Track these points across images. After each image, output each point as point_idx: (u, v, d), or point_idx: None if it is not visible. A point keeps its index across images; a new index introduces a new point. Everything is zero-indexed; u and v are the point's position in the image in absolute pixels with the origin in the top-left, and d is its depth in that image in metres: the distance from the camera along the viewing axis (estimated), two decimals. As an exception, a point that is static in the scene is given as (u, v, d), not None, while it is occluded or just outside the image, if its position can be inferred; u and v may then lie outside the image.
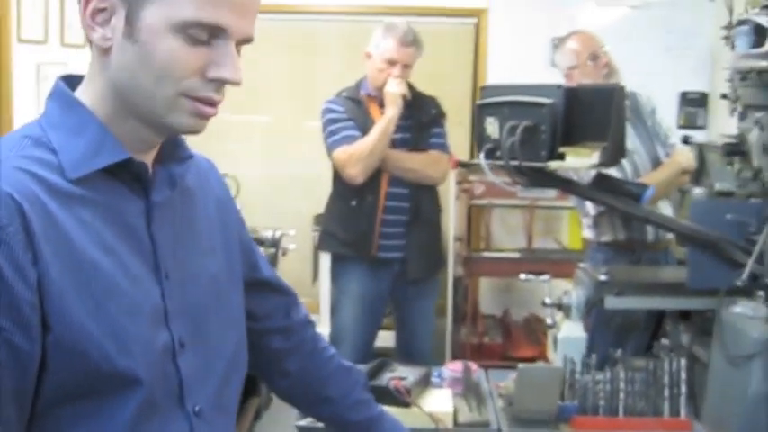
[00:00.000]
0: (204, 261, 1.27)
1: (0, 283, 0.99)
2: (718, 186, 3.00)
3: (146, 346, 1.11)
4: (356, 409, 1.56)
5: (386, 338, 4.15)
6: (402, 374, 2.03)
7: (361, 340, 3.77)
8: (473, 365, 2.17)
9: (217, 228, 1.33)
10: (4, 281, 0.99)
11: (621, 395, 1.94)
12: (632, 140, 3.20)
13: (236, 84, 1.13)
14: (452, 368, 2.18)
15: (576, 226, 5.21)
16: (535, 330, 4.98)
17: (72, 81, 1.18)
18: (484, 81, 5.24)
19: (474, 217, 5.18)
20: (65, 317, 1.03)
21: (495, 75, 5.13)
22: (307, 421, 1.95)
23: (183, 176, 1.25)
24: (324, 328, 4.71)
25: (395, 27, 3.60)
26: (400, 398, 1.93)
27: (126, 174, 1.14)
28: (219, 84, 1.12)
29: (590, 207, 3.38)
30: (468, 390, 2.10)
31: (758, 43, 2.48)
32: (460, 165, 4.72)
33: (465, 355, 4.45)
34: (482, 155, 2.43)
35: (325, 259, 4.64)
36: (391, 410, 1.93)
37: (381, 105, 3.62)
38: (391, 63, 3.57)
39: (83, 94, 1.15)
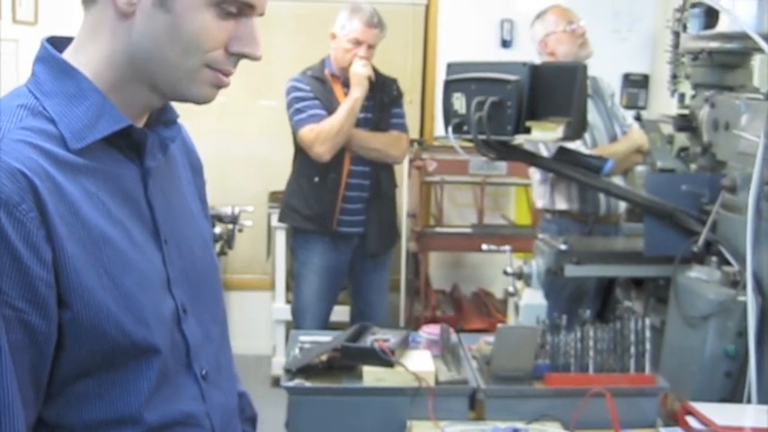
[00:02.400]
0: (192, 225, 1.28)
1: (15, 262, 0.96)
2: (660, 164, 3.17)
3: (158, 316, 1.11)
4: None
5: (341, 313, 4.26)
6: (384, 336, 2.13)
7: (321, 311, 3.91)
8: (450, 328, 2.27)
9: (195, 193, 1.34)
10: (19, 260, 0.97)
11: (591, 353, 2.06)
12: (593, 116, 3.44)
13: (258, 59, 1.15)
14: (429, 331, 2.28)
15: (523, 202, 5.37)
16: (486, 304, 5.12)
17: (56, 43, 1.14)
18: (434, 61, 5.34)
19: (426, 193, 5.29)
20: (83, 294, 1.02)
21: (445, 55, 5.21)
22: (295, 383, 2.03)
23: (174, 140, 1.23)
24: (279, 304, 4.80)
25: (360, 9, 3.72)
26: (385, 358, 2.02)
27: (122, 140, 1.13)
28: (240, 57, 1.14)
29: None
30: (446, 351, 2.21)
31: (709, 25, 2.62)
32: (415, 142, 4.83)
33: (419, 328, 4.56)
34: (450, 129, 2.52)
35: (281, 236, 4.73)
36: (376, 370, 2.05)
37: (345, 85, 3.75)
38: (357, 43, 3.69)
39: (75, 58, 1.11)
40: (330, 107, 3.69)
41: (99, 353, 1.05)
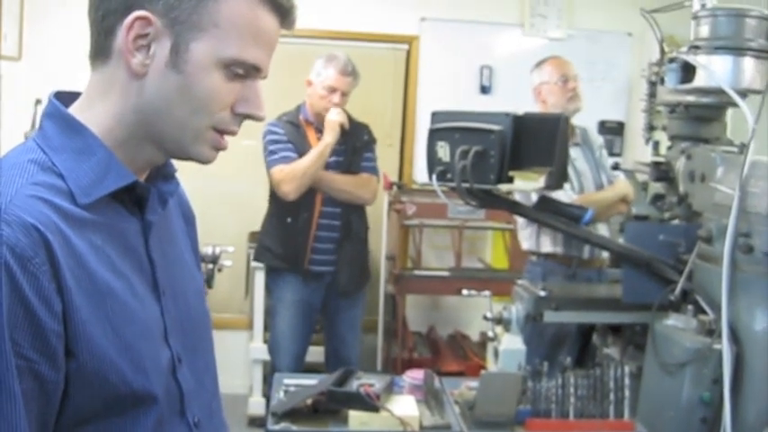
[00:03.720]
0: (187, 275, 1.31)
1: (28, 314, 0.98)
2: (634, 210, 3.25)
3: (156, 365, 1.14)
4: None
5: (316, 354, 4.30)
6: (369, 381, 2.16)
7: (297, 347, 3.99)
8: (433, 374, 2.30)
9: (189, 245, 1.38)
10: (31, 312, 0.99)
11: (572, 399, 2.10)
12: (581, 164, 3.60)
13: (262, 119, 1.20)
14: (412, 376, 2.32)
15: (500, 246, 5.43)
16: (462, 346, 5.16)
17: (64, 98, 1.17)
18: (414, 106, 5.42)
19: (404, 237, 5.33)
20: (89, 344, 1.04)
21: (425, 100, 5.30)
22: (281, 426, 2.06)
23: (173, 194, 1.26)
24: (257, 343, 4.81)
25: (335, 57, 3.87)
26: (370, 403, 2.05)
27: (126, 194, 1.16)
28: (245, 118, 1.18)
29: None
30: (429, 396, 2.24)
31: (686, 79, 2.70)
32: (394, 185, 4.89)
33: (396, 370, 4.60)
34: (434, 177, 2.58)
35: (260, 275, 4.75)
36: (361, 415, 2.08)
37: (318, 131, 3.91)
38: (332, 90, 3.84)
39: (84, 114, 1.15)
40: (302, 151, 3.81)
41: (100, 400, 1.07)
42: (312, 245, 3.87)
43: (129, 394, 1.09)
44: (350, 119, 3.91)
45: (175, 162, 1.27)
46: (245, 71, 1.15)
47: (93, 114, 1.14)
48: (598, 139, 3.92)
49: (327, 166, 3.82)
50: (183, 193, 1.40)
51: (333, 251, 3.91)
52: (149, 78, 1.11)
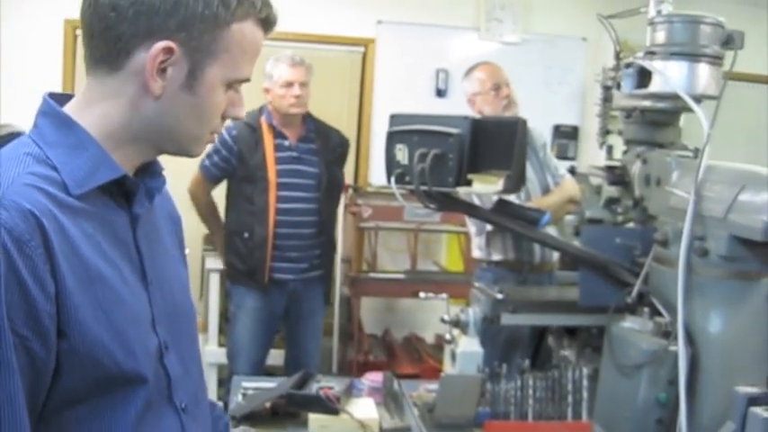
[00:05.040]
0: (173, 270, 1.39)
1: (23, 293, 1.06)
2: (588, 213, 3.26)
3: (144, 349, 1.21)
4: None
5: (276, 356, 4.27)
6: (328, 384, 2.15)
7: (256, 354, 3.93)
8: (393, 376, 2.30)
9: (174, 240, 1.46)
10: (26, 292, 1.06)
11: (530, 401, 2.12)
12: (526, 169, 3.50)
13: (241, 119, 1.36)
14: (372, 379, 2.31)
15: (455, 249, 5.45)
16: (417, 349, 5.17)
17: (56, 98, 1.25)
18: (370, 108, 5.43)
19: (360, 239, 5.33)
20: (80, 326, 1.11)
21: (381, 102, 5.32)
22: (240, 429, 2.04)
23: (160, 189, 1.35)
24: (212, 346, 4.77)
25: (280, 55, 3.87)
26: (330, 405, 2.05)
27: (115, 188, 1.24)
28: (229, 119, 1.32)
29: (487, 225, 3.62)
30: (389, 398, 2.24)
31: (642, 84, 2.72)
32: (350, 188, 4.89)
33: (352, 372, 4.59)
34: (393, 179, 2.57)
35: (214, 278, 4.71)
36: (321, 418, 2.07)
37: (277, 136, 3.84)
38: (288, 85, 3.79)
39: (78, 114, 1.22)
40: (250, 154, 3.81)
41: (92, 380, 1.14)
42: (272, 256, 3.82)
43: (119, 375, 1.16)
44: (319, 123, 3.93)
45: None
46: (239, 82, 1.28)
47: (90, 115, 1.23)
48: (540, 138, 3.87)
49: (304, 177, 3.84)
50: (168, 193, 1.48)
51: (296, 259, 3.87)
52: (164, 98, 1.21)
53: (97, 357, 1.13)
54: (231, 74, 1.24)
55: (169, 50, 1.18)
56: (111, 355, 1.14)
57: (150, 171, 1.33)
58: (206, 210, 4.06)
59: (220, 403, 1.60)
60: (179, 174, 5.05)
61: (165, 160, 1.35)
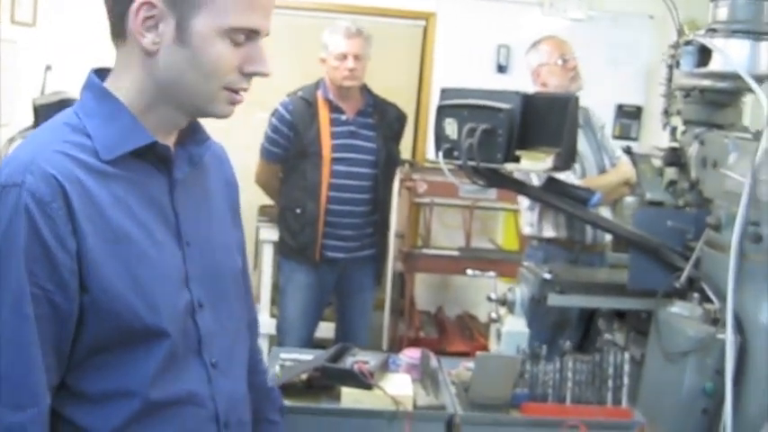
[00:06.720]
0: (218, 232, 1.45)
1: (44, 250, 1.18)
2: (649, 196, 3.18)
3: (170, 305, 1.29)
4: (262, 430, 1.60)
5: (326, 329, 4.26)
6: (364, 359, 2.13)
7: (306, 329, 3.91)
8: (430, 353, 2.27)
9: (227, 205, 1.52)
10: (48, 249, 1.18)
11: (569, 384, 2.07)
12: (583, 146, 3.46)
13: (268, 75, 1.33)
14: (410, 355, 2.29)
15: (511, 227, 5.39)
16: (469, 327, 5.13)
17: (100, 73, 1.35)
18: (429, 83, 5.37)
19: (415, 214, 5.30)
20: (100, 281, 1.21)
21: (441, 77, 5.24)
22: None
23: (202, 156, 1.42)
24: (264, 316, 4.79)
25: (336, 25, 3.79)
26: (364, 380, 2.03)
27: (152, 155, 1.32)
28: (252, 76, 1.32)
29: None
30: (426, 375, 2.21)
31: (702, 63, 2.64)
32: (406, 163, 4.85)
33: (402, 349, 4.57)
34: (441, 154, 2.54)
35: (268, 249, 4.73)
36: (354, 392, 2.06)
37: (333, 110, 3.77)
38: (343, 57, 3.70)
39: (113, 86, 1.32)
40: (305, 129, 3.73)
41: (115, 331, 1.23)
42: (323, 233, 3.77)
43: (141, 328, 1.25)
44: (377, 98, 3.86)
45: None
46: (246, 35, 1.28)
47: (120, 86, 1.31)
48: (600, 120, 3.79)
49: (360, 152, 3.79)
50: (227, 159, 1.57)
51: (347, 237, 3.82)
52: (161, 54, 1.27)
53: (118, 311, 1.23)
54: (221, 22, 1.25)
55: (149, 5, 1.24)
56: (133, 309, 1.23)
57: (195, 139, 1.41)
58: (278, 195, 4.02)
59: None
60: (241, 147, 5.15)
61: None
